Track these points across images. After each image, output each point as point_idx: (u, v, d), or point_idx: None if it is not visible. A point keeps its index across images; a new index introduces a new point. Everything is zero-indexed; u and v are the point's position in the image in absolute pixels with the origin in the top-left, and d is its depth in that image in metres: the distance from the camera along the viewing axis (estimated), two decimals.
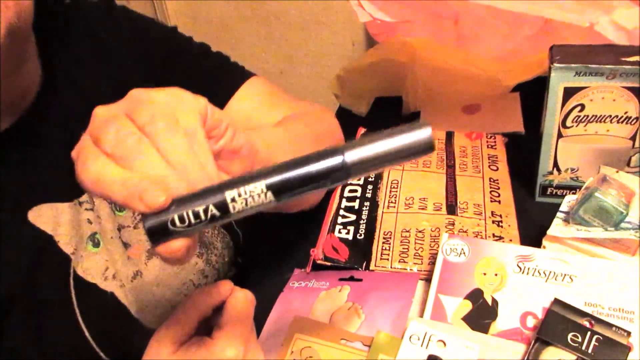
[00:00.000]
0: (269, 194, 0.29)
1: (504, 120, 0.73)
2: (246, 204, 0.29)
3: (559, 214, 0.51)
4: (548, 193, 0.60)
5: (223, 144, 0.33)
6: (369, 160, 0.30)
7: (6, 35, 0.40)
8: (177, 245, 0.29)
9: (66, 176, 0.50)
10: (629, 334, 0.41)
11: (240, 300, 0.43)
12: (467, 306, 0.46)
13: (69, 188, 0.49)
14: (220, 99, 0.58)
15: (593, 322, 0.42)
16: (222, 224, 0.60)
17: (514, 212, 0.57)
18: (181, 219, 0.29)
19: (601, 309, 0.43)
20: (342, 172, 0.29)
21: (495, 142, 0.66)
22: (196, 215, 0.29)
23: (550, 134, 0.56)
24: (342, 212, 0.59)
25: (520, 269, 0.47)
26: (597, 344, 0.40)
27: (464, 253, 0.49)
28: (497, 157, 0.63)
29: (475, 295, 0.46)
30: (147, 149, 0.29)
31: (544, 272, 0.46)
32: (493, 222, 0.55)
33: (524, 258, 0.47)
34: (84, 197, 0.50)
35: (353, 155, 0.29)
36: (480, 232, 0.54)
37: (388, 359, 0.44)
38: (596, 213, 0.48)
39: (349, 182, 0.63)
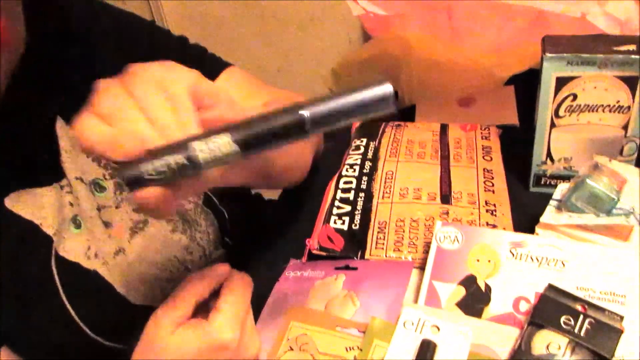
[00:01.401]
0: (234, 145, 0.32)
1: (499, 112, 0.73)
2: (213, 154, 0.32)
3: (551, 202, 0.52)
4: (542, 183, 0.60)
5: (215, 115, 0.35)
6: (328, 115, 0.31)
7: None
8: (151, 192, 0.33)
9: (45, 160, 0.51)
10: (621, 318, 0.41)
11: (237, 283, 0.44)
12: (461, 292, 0.46)
13: (47, 172, 0.50)
14: None
15: (586, 306, 0.42)
16: (206, 203, 0.62)
17: (507, 201, 0.57)
18: (154, 168, 0.32)
19: (593, 292, 0.43)
20: (302, 127, 0.32)
21: (489, 133, 0.66)
22: (168, 164, 0.32)
23: (543, 124, 0.57)
24: (337, 203, 0.60)
25: (513, 255, 0.47)
26: (589, 327, 0.41)
27: (458, 240, 0.50)
28: (491, 148, 0.64)
29: (469, 281, 0.47)
30: (131, 108, 0.33)
31: (536, 258, 0.46)
32: (487, 210, 0.56)
33: (517, 244, 0.48)
34: (64, 181, 0.51)
35: (313, 110, 0.31)
36: (474, 221, 0.54)
37: (382, 344, 0.44)
38: (588, 200, 0.48)
39: (343, 174, 0.63)
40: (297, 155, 0.59)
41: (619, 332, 0.40)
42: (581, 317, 0.41)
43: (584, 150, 0.57)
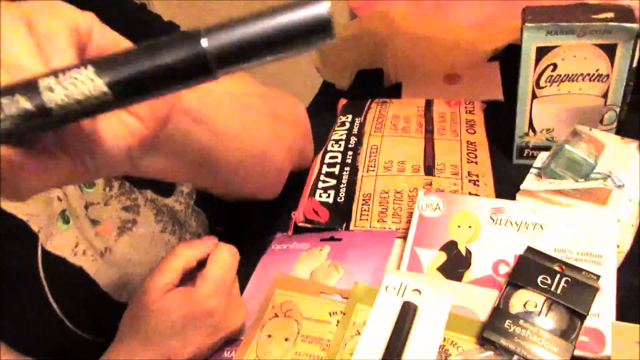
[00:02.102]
0: (99, 82, 0.22)
1: (484, 88, 0.74)
2: (67, 95, 0.22)
3: (532, 170, 0.52)
4: (525, 155, 0.61)
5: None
6: (242, 46, 0.22)
7: None
8: None
9: None
10: (598, 277, 0.42)
11: (223, 253, 0.45)
12: (442, 257, 0.47)
13: None
14: None
15: (563, 267, 0.43)
16: (198, 204, 0.61)
17: (490, 172, 0.58)
18: None
19: (570, 254, 0.44)
20: (205, 65, 0.22)
21: (473, 107, 0.67)
22: (3, 110, 0.22)
23: (524, 95, 0.57)
24: (322, 177, 0.60)
25: (493, 220, 0.48)
26: (565, 285, 0.42)
27: (439, 208, 0.50)
28: (474, 122, 0.64)
29: (450, 247, 0.48)
30: None
31: (515, 223, 0.47)
32: (469, 181, 0.56)
33: (497, 210, 0.48)
34: None
35: (218, 40, 0.22)
36: (457, 191, 0.55)
37: (365, 308, 0.45)
38: (567, 165, 0.49)
39: (329, 149, 0.64)
40: (264, 161, 0.51)
41: (594, 290, 0.41)
42: (558, 276, 0.42)
43: (565, 121, 0.58)
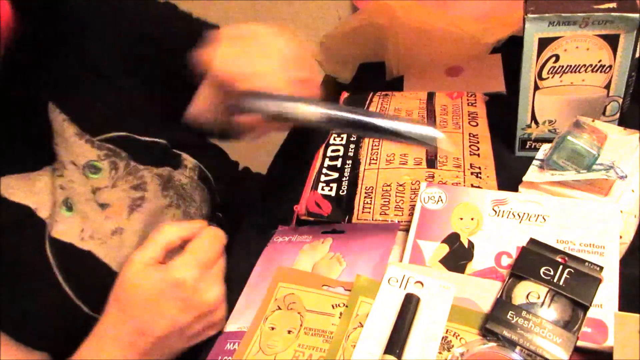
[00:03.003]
0: (323, 115, 0.45)
1: (486, 80, 0.73)
2: (308, 116, 0.46)
3: (534, 162, 0.52)
4: (527, 147, 0.61)
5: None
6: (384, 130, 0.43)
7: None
8: (250, 119, 0.46)
9: (37, 145, 0.51)
10: (601, 268, 0.42)
11: (206, 233, 0.46)
12: (444, 249, 0.47)
13: (40, 156, 0.50)
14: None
15: (566, 258, 0.43)
16: (201, 179, 0.63)
17: (492, 165, 0.58)
18: (267, 108, 0.46)
19: (572, 245, 0.44)
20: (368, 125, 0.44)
21: (475, 100, 0.66)
22: (279, 111, 0.46)
23: (527, 86, 0.57)
24: (324, 170, 0.60)
25: (496, 212, 0.48)
26: (568, 277, 0.42)
27: (442, 200, 0.50)
28: (477, 114, 0.64)
29: (452, 239, 0.47)
30: (261, 57, 0.49)
31: (518, 214, 0.47)
32: (472, 173, 0.56)
33: (499, 202, 0.48)
34: (56, 165, 0.51)
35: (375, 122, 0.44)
36: (459, 184, 0.55)
37: (368, 300, 0.45)
38: (569, 156, 0.49)
39: (331, 143, 0.64)
40: None
41: (597, 281, 0.41)
42: (561, 267, 0.42)
43: (568, 112, 0.57)
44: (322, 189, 0.58)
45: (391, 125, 0.42)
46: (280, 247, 0.55)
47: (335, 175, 0.60)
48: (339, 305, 0.46)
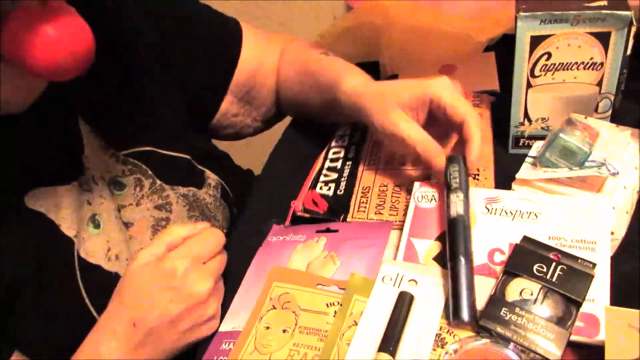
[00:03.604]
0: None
1: (480, 79, 0.73)
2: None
3: (527, 159, 0.53)
4: (520, 144, 0.61)
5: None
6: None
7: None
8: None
9: (66, 158, 0.50)
10: (594, 265, 0.42)
11: (205, 232, 0.46)
12: (438, 247, 0.47)
13: (68, 170, 0.50)
14: (231, 54, 0.63)
15: (560, 255, 0.43)
16: (223, 196, 0.62)
17: (492, 166, 0.58)
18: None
19: (564, 241, 0.44)
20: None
21: (481, 100, 0.66)
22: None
23: (519, 84, 0.57)
24: (325, 171, 0.60)
25: (489, 210, 0.48)
26: (561, 273, 0.42)
27: (435, 199, 0.51)
28: (481, 115, 0.64)
29: (445, 237, 0.48)
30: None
31: (510, 212, 0.47)
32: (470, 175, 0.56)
33: (492, 200, 0.49)
34: (83, 179, 0.50)
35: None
36: None
37: (362, 299, 0.45)
38: (561, 154, 0.49)
39: (333, 145, 0.64)
40: None
41: (589, 277, 0.41)
42: (554, 264, 0.42)
43: (561, 109, 0.58)
44: (321, 189, 0.58)
45: None
46: (275, 246, 0.55)
47: (335, 175, 0.60)
48: (333, 304, 0.46)
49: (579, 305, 0.41)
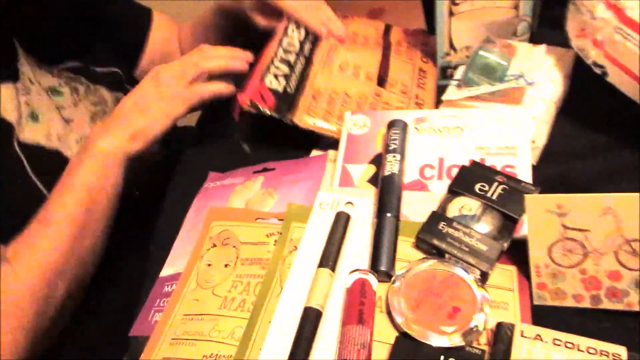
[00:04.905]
0: None
1: (408, 19, 0.74)
2: None
3: (452, 82, 0.54)
4: (447, 75, 0.63)
5: None
6: None
7: None
8: None
9: (4, 59, 0.53)
10: (537, 188, 0.43)
11: (204, 47, 0.58)
12: (371, 170, 0.48)
13: (6, 70, 0.53)
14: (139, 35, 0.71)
15: (505, 179, 0.44)
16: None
17: (433, 102, 0.58)
18: None
19: (489, 149, 0.46)
20: None
21: (429, 40, 0.67)
22: None
23: (442, 14, 0.58)
24: (276, 62, 0.57)
25: (417, 129, 0.49)
26: (501, 192, 0.43)
27: (366, 125, 0.51)
28: (428, 53, 0.65)
29: (379, 159, 0.48)
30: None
31: (438, 130, 0.49)
32: (416, 103, 0.57)
33: (420, 120, 0.50)
34: (19, 85, 0.53)
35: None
36: (402, 109, 0.56)
37: (301, 225, 0.46)
38: (482, 71, 0.50)
39: (289, 34, 0.60)
40: None
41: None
42: (495, 184, 0.43)
43: (483, 36, 0.59)
44: (270, 83, 0.55)
45: None
46: (212, 192, 0.54)
47: (286, 70, 0.57)
48: (273, 234, 0.46)
49: (515, 222, 0.41)
